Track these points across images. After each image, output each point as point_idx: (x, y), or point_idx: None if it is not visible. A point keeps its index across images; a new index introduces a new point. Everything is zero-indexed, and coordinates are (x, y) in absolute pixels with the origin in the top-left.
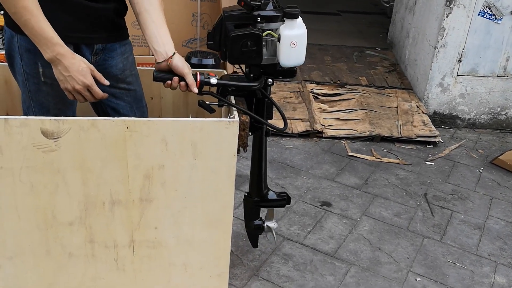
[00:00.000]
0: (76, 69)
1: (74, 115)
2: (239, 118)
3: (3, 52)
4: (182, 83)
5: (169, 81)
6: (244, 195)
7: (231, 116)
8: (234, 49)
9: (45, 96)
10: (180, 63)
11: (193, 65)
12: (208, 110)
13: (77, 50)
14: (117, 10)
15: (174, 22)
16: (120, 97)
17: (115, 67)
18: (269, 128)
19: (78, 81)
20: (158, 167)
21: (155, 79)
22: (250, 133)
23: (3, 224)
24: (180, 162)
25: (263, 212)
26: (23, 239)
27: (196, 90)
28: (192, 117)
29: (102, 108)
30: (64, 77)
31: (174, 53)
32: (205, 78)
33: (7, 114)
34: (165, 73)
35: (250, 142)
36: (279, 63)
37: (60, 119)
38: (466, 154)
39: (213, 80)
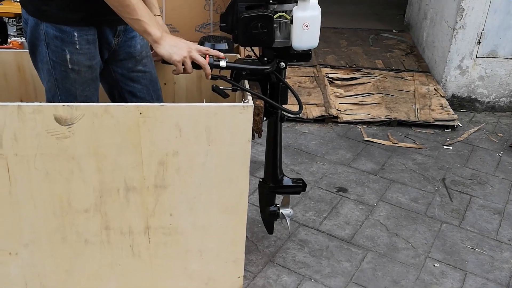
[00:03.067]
0: (179, 39)
1: (97, 102)
2: (254, 103)
3: (16, 39)
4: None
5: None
6: (259, 181)
7: (245, 101)
8: (245, 31)
9: (72, 83)
10: None
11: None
12: (222, 95)
13: (101, 33)
14: None
15: (187, 7)
16: (137, 80)
17: (133, 47)
18: (284, 112)
19: (186, 47)
20: (173, 153)
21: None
22: (264, 118)
23: (19, 211)
24: (194, 148)
25: (279, 198)
26: (39, 226)
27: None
28: (205, 102)
29: (118, 93)
30: (173, 49)
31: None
32: (214, 60)
33: (21, 101)
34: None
35: (264, 127)
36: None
37: (73, 105)
38: (486, 137)
39: (223, 63)
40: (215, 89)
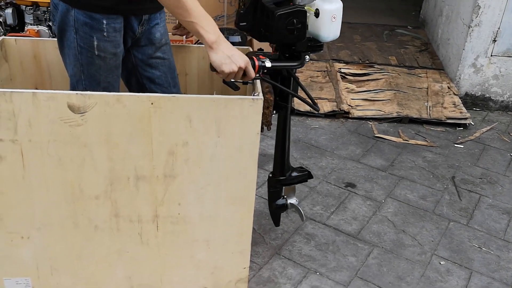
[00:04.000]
0: (235, 48)
1: (118, 89)
2: (263, 96)
3: (33, 27)
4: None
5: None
6: (269, 176)
7: (255, 94)
8: (280, 28)
9: (97, 69)
10: None
11: None
12: (232, 88)
13: (127, 21)
14: None
15: (201, 0)
16: (156, 67)
17: (154, 35)
18: (311, 108)
19: (241, 58)
20: (182, 143)
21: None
22: (274, 112)
23: (32, 195)
24: (204, 139)
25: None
26: (51, 211)
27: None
28: (216, 94)
29: (136, 79)
30: (228, 58)
31: None
32: (261, 63)
33: (36, 89)
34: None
35: (274, 121)
36: (309, 38)
37: (86, 93)
38: (498, 137)
39: (268, 63)
40: (226, 81)
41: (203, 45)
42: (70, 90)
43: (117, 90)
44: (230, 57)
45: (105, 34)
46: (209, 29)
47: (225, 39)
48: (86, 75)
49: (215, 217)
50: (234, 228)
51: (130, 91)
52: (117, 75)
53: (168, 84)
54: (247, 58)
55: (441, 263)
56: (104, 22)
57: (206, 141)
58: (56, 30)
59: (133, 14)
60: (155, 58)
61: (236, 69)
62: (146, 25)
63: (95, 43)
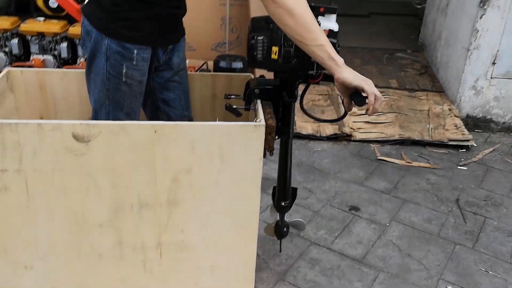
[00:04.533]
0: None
1: (139, 115)
2: (265, 121)
3: (38, 57)
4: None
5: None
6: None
7: (257, 120)
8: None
9: (122, 95)
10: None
11: (222, 69)
12: (235, 114)
13: (154, 51)
14: (185, 13)
15: (204, 27)
16: (172, 90)
17: (173, 60)
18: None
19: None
20: (186, 170)
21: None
22: (276, 137)
23: (36, 225)
24: (207, 166)
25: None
26: (55, 240)
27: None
28: (219, 120)
29: (152, 101)
30: (359, 76)
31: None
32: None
33: (41, 118)
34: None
35: (277, 145)
36: None
37: (90, 123)
38: (501, 158)
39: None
40: (228, 107)
41: (206, 73)
42: (92, 114)
43: (138, 116)
44: (355, 74)
45: (134, 62)
46: (334, 51)
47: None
48: (111, 100)
49: (218, 243)
50: (238, 254)
51: (145, 111)
52: (139, 101)
53: (182, 107)
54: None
55: (448, 287)
56: (135, 51)
57: (209, 167)
58: (87, 56)
59: (160, 45)
60: (172, 82)
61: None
62: (170, 54)
63: (124, 70)
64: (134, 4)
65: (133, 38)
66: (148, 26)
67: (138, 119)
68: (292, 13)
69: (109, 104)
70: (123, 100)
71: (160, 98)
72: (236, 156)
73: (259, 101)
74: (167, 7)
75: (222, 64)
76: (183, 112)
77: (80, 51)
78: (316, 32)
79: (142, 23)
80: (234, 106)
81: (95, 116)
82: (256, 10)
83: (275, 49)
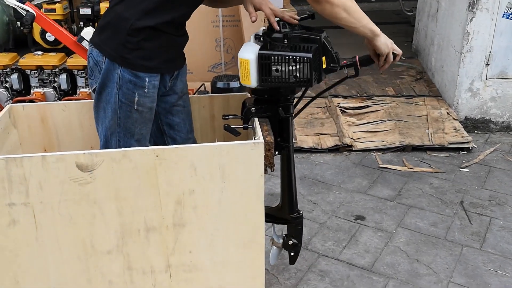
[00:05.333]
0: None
1: (148, 139)
2: (264, 139)
3: (38, 90)
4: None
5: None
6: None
7: (255, 138)
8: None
9: (133, 122)
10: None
11: (219, 90)
12: (233, 134)
13: (162, 78)
14: (187, 40)
15: (199, 49)
16: (176, 114)
17: (178, 86)
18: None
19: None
20: (189, 192)
21: None
22: (276, 153)
23: (46, 256)
24: (209, 186)
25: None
26: (65, 269)
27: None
28: (218, 141)
29: (157, 125)
30: (389, 43)
31: None
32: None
33: (45, 151)
34: None
35: (278, 160)
36: None
37: (93, 152)
38: (502, 158)
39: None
40: (227, 128)
41: (203, 95)
42: (102, 142)
43: (147, 141)
44: (387, 39)
45: (145, 90)
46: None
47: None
48: (122, 128)
49: (226, 262)
50: (247, 271)
51: (150, 136)
52: (149, 127)
53: (186, 130)
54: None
55: None
56: (147, 80)
57: (212, 187)
58: (97, 86)
59: (168, 72)
60: (176, 106)
61: (390, 49)
62: (175, 79)
63: (136, 98)
64: (148, 34)
65: (146, 67)
66: (159, 55)
67: (148, 145)
68: (345, 8)
69: (120, 131)
70: (134, 127)
71: (165, 123)
72: (238, 174)
73: (256, 119)
74: (175, 35)
75: (219, 84)
76: (187, 135)
77: (79, 82)
78: (361, 15)
79: (154, 52)
80: (233, 126)
81: (106, 144)
82: (249, 29)
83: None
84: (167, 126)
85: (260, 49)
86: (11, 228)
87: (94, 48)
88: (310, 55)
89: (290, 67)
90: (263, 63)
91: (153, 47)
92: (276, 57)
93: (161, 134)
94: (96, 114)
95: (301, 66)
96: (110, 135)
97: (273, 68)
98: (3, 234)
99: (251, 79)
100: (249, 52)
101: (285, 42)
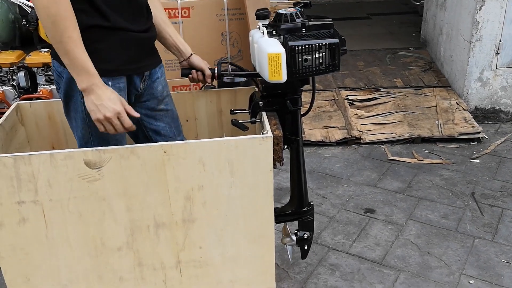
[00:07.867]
0: (108, 97)
1: (126, 143)
2: (272, 133)
3: (45, 88)
4: (200, 73)
5: (190, 75)
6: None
7: (264, 132)
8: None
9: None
10: (198, 59)
11: (227, 84)
12: (241, 128)
13: (130, 80)
14: (155, 37)
15: (205, 44)
16: (160, 119)
17: (156, 89)
18: None
19: (109, 109)
20: (198, 187)
21: (183, 75)
22: (285, 147)
23: (56, 253)
24: (218, 181)
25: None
26: (76, 267)
27: (209, 80)
28: (226, 136)
29: (143, 133)
30: (95, 106)
31: (191, 54)
32: (222, 71)
33: (53, 148)
34: (187, 69)
35: (287, 154)
36: None
37: (101, 149)
38: None
39: (226, 79)
40: (234, 123)
41: (210, 90)
42: None
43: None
44: (97, 105)
45: None
46: (85, 77)
47: (103, 87)
48: (95, 136)
49: (236, 257)
50: (257, 266)
51: (137, 144)
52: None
53: (173, 133)
54: (118, 108)
55: (471, 282)
56: (110, 84)
57: (221, 182)
58: (62, 97)
59: (135, 73)
60: (158, 111)
61: (101, 117)
62: (148, 80)
63: None
64: (99, 34)
65: (105, 70)
66: (117, 56)
67: None
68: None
69: (93, 140)
70: (107, 134)
71: (150, 129)
72: (246, 169)
73: (264, 113)
74: (133, 31)
75: (225, 78)
76: (175, 138)
77: (39, 79)
78: (63, 37)
79: (111, 53)
80: (240, 121)
81: None
82: (255, 22)
83: None
84: (152, 133)
85: (289, 41)
86: (21, 226)
87: (54, 60)
88: (336, 40)
89: (319, 54)
90: (295, 54)
91: (108, 47)
92: (307, 46)
93: (148, 141)
94: (70, 124)
95: (329, 52)
96: (85, 144)
97: (303, 58)
98: (13, 232)
99: (283, 74)
100: (276, 46)
101: (303, 31)
